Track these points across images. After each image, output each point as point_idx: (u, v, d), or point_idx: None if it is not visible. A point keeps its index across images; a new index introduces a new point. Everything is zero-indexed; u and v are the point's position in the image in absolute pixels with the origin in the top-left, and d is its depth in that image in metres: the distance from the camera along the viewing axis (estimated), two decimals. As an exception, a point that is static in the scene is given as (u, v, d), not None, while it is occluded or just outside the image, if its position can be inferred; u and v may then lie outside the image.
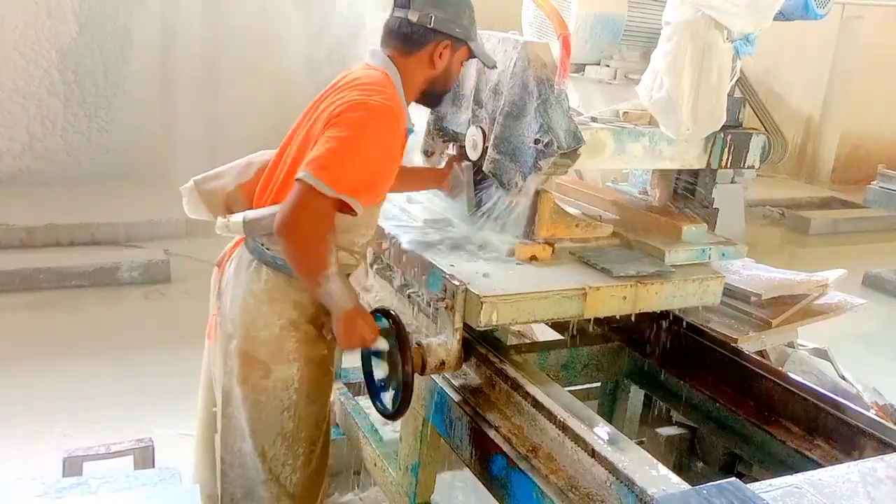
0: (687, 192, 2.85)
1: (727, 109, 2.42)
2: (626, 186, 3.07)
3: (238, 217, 2.08)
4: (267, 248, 2.05)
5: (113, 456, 2.56)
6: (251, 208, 2.13)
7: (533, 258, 2.28)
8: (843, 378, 3.25)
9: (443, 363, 2.07)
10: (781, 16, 2.41)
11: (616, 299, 2.17)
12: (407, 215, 2.65)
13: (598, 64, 2.79)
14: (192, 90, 7.04)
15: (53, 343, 4.38)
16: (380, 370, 2.14)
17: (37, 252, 5.51)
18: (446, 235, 2.48)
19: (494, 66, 2.22)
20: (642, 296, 2.21)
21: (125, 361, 4.19)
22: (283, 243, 1.87)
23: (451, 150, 2.61)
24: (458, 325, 2.06)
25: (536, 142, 2.15)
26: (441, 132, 2.63)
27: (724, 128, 2.54)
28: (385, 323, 2.08)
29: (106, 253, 5.60)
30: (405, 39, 2.07)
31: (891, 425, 1.95)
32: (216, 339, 2.20)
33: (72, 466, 2.47)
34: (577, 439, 1.77)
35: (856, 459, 1.69)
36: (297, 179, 1.83)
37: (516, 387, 2.01)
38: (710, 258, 2.44)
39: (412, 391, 2.01)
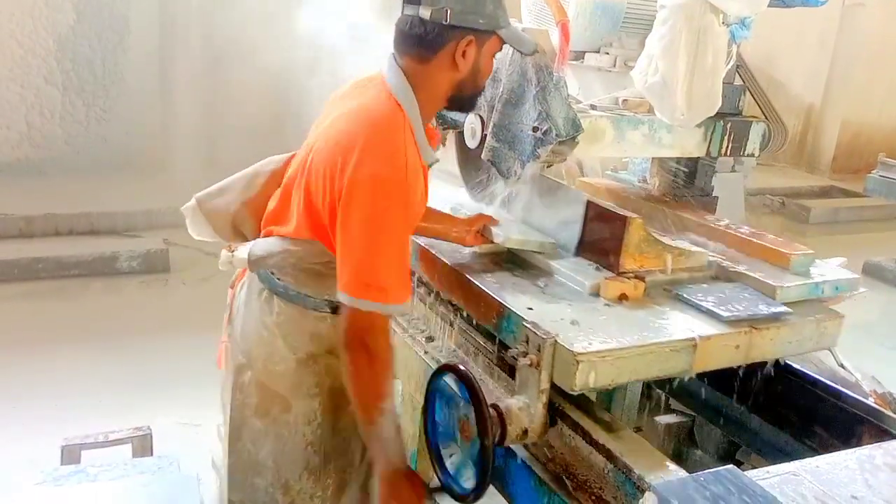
0: (686, 180, 2.84)
1: (727, 97, 2.41)
2: (625, 175, 3.06)
3: (242, 253, 1.90)
4: (278, 278, 1.89)
5: (111, 444, 2.57)
6: (259, 228, 1.97)
7: (623, 297, 1.97)
8: (842, 366, 3.24)
9: (525, 432, 1.74)
10: (781, 2, 2.40)
11: (728, 349, 1.87)
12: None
13: (598, 51, 2.77)
14: (190, 79, 7.01)
15: (52, 332, 4.38)
16: (446, 437, 1.86)
17: (36, 241, 5.51)
18: (510, 266, 2.20)
19: (534, 52, 1.99)
20: (756, 343, 1.91)
21: (124, 350, 4.19)
22: (348, 362, 1.73)
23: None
24: (545, 385, 1.73)
25: (535, 129, 2.14)
26: (440, 119, 2.62)
27: (723, 115, 2.53)
28: (452, 384, 1.81)
29: (105, 242, 5.60)
30: (420, 42, 1.76)
31: (889, 413, 1.95)
32: (226, 369, 2.05)
33: (70, 454, 2.48)
34: (575, 426, 1.77)
35: (854, 447, 1.68)
36: (351, 305, 1.69)
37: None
38: (823, 293, 2.14)
39: (492, 468, 1.70)
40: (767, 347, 1.94)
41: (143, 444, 2.60)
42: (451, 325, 2.36)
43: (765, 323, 1.93)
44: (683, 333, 1.82)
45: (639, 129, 2.42)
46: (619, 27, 2.70)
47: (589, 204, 2.17)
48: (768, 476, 1.43)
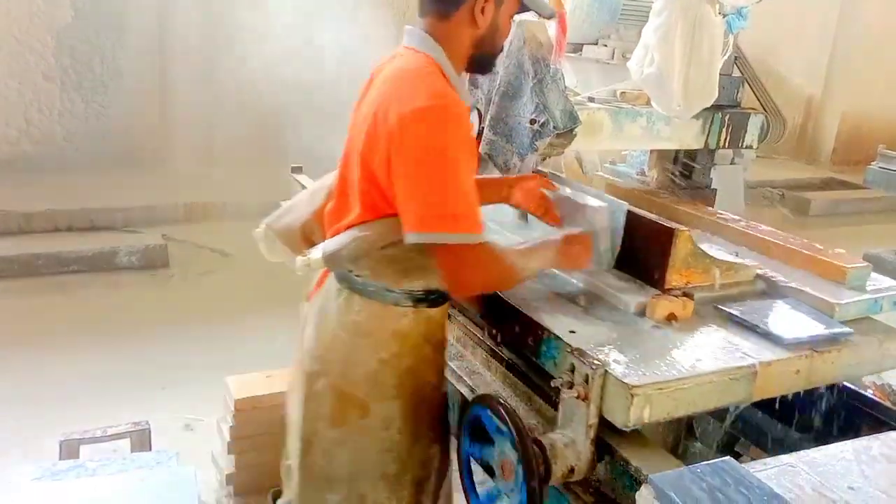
0: (685, 172, 2.84)
1: (725, 89, 2.41)
2: (623, 167, 3.05)
3: (316, 252, 1.85)
4: (356, 276, 1.80)
5: (110, 439, 2.57)
6: (328, 231, 1.92)
7: (671, 317, 1.82)
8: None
9: (572, 470, 1.59)
10: (779, -8, 2.39)
11: (788, 375, 1.72)
12: None
13: (596, 43, 2.77)
14: (189, 74, 7.00)
15: (51, 328, 4.38)
16: (485, 476, 1.72)
17: (35, 238, 5.50)
18: (546, 281, 2.04)
19: (552, 16, 1.98)
20: (817, 367, 1.75)
21: (122, 346, 4.19)
22: (468, 299, 1.80)
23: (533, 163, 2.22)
24: (593, 420, 1.58)
25: (532, 122, 2.13)
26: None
27: (721, 107, 2.52)
28: (491, 417, 1.65)
29: (104, 238, 5.59)
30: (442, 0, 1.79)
31: (887, 404, 1.95)
32: (293, 382, 1.97)
33: (68, 449, 2.48)
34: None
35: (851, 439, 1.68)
36: (429, 245, 1.67)
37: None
38: (882, 310, 2.00)
39: None
40: (828, 371, 1.80)
41: (141, 439, 2.60)
42: (480, 344, 2.21)
43: (827, 346, 1.79)
44: (742, 360, 1.67)
45: (637, 122, 2.42)
46: (618, 19, 2.69)
47: (630, 214, 1.99)
48: (765, 468, 1.42)
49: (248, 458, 2.82)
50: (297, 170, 2.94)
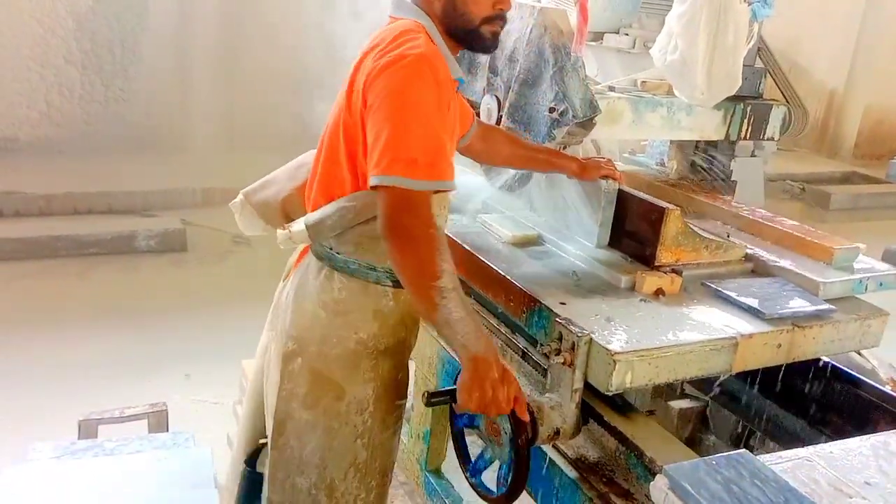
0: (705, 164, 2.82)
1: (747, 79, 2.37)
2: (643, 158, 3.03)
3: (299, 224, 1.82)
4: (337, 253, 1.78)
5: (127, 420, 2.59)
6: (311, 206, 1.88)
7: (659, 292, 1.93)
8: (859, 353, 3.22)
9: (557, 432, 1.69)
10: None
11: (769, 348, 1.81)
12: (487, 228, 2.35)
13: (617, 32, 2.74)
14: (209, 58, 7.03)
15: (70, 309, 4.43)
16: (475, 438, 1.79)
17: (55, 220, 5.56)
18: (542, 257, 2.14)
19: None
20: (798, 342, 1.85)
21: (141, 328, 4.23)
22: (389, 251, 1.59)
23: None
24: (578, 385, 1.68)
25: (551, 110, 2.12)
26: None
27: (743, 98, 2.50)
28: None
29: (123, 221, 5.65)
30: None
31: (905, 400, 1.93)
32: (269, 362, 1.93)
33: (87, 429, 2.51)
34: (596, 416, 1.77)
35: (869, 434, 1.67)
36: (376, 187, 1.58)
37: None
38: (866, 290, 2.07)
39: (528, 469, 1.61)
40: (810, 346, 1.88)
41: (158, 420, 2.63)
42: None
43: (808, 321, 1.86)
44: (724, 332, 1.76)
45: (657, 111, 2.39)
46: (639, 7, 2.67)
47: (622, 194, 2.09)
48: (781, 461, 1.42)
49: (263, 442, 2.84)
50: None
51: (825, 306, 1.92)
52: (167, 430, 2.62)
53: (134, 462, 2.20)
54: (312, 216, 1.79)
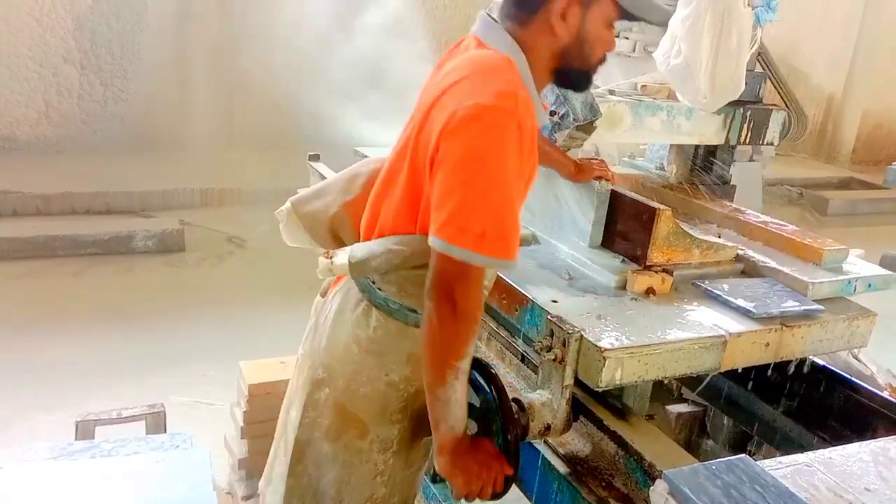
0: (704, 168, 2.82)
1: (747, 84, 2.38)
2: (642, 162, 3.03)
3: (342, 257, 1.67)
4: (379, 289, 1.66)
5: (125, 421, 2.59)
6: (359, 233, 1.76)
7: (650, 291, 1.94)
8: (857, 359, 3.22)
9: (548, 427, 1.70)
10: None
11: (758, 347, 1.83)
12: None
13: (618, 36, 2.74)
14: (207, 59, 7.03)
15: (68, 310, 4.42)
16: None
17: (53, 220, 5.55)
18: (535, 256, 2.15)
19: (664, 24, 1.80)
20: (786, 342, 1.87)
21: (138, 329, 4.22)
22: (428, 311, 1.50)
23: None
24: (569, 381, 1.69)
25: (552, 114, 2.12)
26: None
27: (743, 103, 2.50)
28: (474, 377, 1.66)
29: (121, 221, 5.65)
30: (517, 2, 1.55)
31: (904, 406, 1.94)
32: (299, 381, 1.83)
33: (84, 430, 2.51)
34: (588, 413, 1.77)
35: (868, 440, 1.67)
36: (436, 249, 1.45)
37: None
38: (855, 291, 2.10)
39: (519, 465, 1.61)
40: (798, 346, 1.90)
41: (156, 422, 2.62)
42: (494, 335, 2.26)
43: (796, 321, 1.88)
44: (713, 330, 1.78)
45: (657, 115, 2.40)
46: (640, 12, 2.66)
47: (615, 194, 2.11)
48: (780, 466, 1.41)
49: (260, 444, 2.83)
50: (315, 157, 2.93)
51: (813, 306, 1.95)
52: (165, 432, 2.62)
53: (131, 463, 2.19)
54: (357, 253, 1.65)
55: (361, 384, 1.69)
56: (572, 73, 1.63)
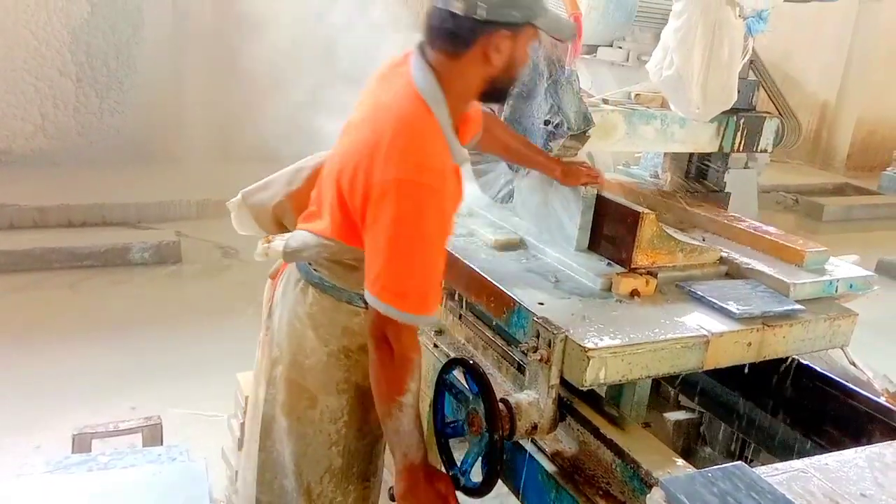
0: (699, 175, 2.83)
1: (740, 92, 2.39)
2: (637, 170, 3.05)
3: (278, 245, 1.84)
4: (314, 269, 1.84)
5: (121, 433, 2.58)
6: (299, 221, 1.91)
7: (634, 293, 1.97)
8: (854, 364, 3.22)
9: (535, 427, 1.74)
10: (798, -5, 2.38)
11: (740, 346, 1.87)
12: (470, 231, 2.38)
13: (611, 45, 2.76)
14: (204, 71, 7.04)
15: (64, 322, 4.41)
16: (455, 431, 1.84)
17: (49, 232, 5.55)
18: (523, 260, 2.21)
19: (570, 38, 1.87)
20: (768, 341, 1.91)
21: (135, 341, 4.21)
22: (370, 350, 1.68)
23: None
24: (555, 381, 1.73)
25: (546, 123, 2.14)
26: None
27: (736, 111, 2.51)
28: (462, 377, 1.79)
29: (118, 234, 5.64)
30: (450, 38, 1.62)
31: (901, 411, 1.94)
32: (261, 363, 2.00)
33: (81, 443, 2.50)
34: (584, 421, 1.77)
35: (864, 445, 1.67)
36: (372, 304, 1.62)
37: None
38: (836, 291, 2.13)
39: (503, 462, 1.67)
40: (780, 345, 1.94)
41: (153, 434, 2.62)
42: (460, 317, 2.35)
43: (777, 321, 1.92)
44: (695, 330, 1.82)
45: (651, 124, 2.41)
46: (633, 21, 2.68)
47: (601, 199, 2.15)
48: (777, 473, 1.42)
49: (257, 455, 2.82)
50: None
51: (794, 306, 1.98)
52: (161, 444, 2.61)
53: (128, 476, 2.19)
54: (292, 242, 1.82)
55: (306, 356, 1.85)
56: (498, 92, 1.78)
